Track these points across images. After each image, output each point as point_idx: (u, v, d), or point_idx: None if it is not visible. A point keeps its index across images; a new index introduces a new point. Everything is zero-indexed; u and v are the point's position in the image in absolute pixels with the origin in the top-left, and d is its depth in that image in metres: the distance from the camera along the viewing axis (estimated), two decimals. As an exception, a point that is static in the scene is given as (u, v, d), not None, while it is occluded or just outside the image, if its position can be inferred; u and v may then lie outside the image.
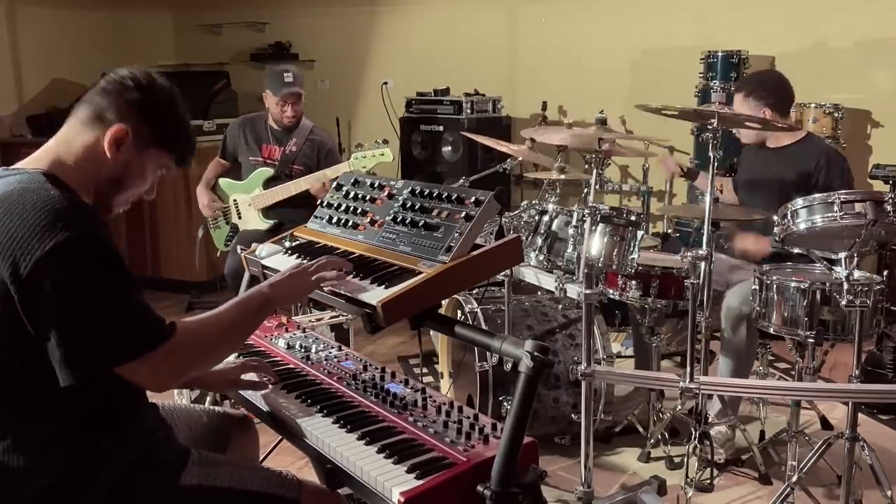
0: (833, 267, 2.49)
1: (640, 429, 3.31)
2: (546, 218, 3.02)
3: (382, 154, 4.12)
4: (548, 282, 2.96)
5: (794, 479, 2.62)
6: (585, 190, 3.20)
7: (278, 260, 2.09)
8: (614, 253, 2.76)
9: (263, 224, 4.25)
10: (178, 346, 1.51)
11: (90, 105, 1.64)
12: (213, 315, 1.64)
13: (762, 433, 3.31)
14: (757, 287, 2.71)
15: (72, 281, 1.42)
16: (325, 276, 1.77)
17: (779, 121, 3.24)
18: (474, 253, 1.78)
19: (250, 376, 1.97)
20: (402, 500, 1.43)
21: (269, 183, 4.26)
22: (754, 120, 3.07)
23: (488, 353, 2.99)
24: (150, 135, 1.64)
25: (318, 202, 2.26)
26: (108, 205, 1.68)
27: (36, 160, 1.61)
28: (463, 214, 1.82)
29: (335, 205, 2.17)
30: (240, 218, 4.35)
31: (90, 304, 1.43)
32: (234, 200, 4.36)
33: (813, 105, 4.66)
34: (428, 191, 1.96)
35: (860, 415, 2.73)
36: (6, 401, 1.49)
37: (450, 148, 5.55)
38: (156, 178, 1.72)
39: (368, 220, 2.03)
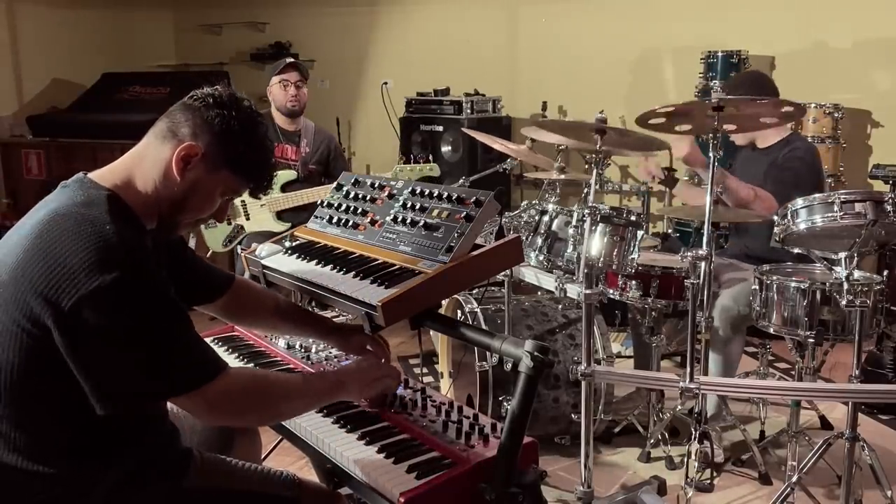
0: (833, 267, 2.49)
1: (640, 429, 3.31)
2: (546, 218, 3.02)
3: (431, 168, 4.22)
4: (548, 282, 2.96)
5: (794, 479, 2.62)
6: (585, 190, 3.20)
7: (278, 260, 2.09)
8: (614, 253, 2.76)
9: (277, 227, 4.17)
10: (234, 385, 1.51)
11: (168, 120, 1.60)
12: (277, 373, 1.68)
13: (762, 433, 3.31)
14: (757, 287, 2.72)
15: (114, 321, 1.40)
16: (390, 384, 1.79)
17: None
18: (474, 253, 1.77)
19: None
20: (402, 500, 1.43)
21: (287, 186, 4.26)
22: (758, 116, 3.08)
23: (488, 353, 2.99)
24: (222, 155, 1.58)
25: (319, 202, 2.25)
26: (173, 224, 1.64)
27: (109, 173, 1.59)
28: (463, 214, 1.81)
29: (335, 205, 2.17)
30: (248, 219, 4.31)
31: (130, 344, 1.42)
32: (242, 201, 4.34)
33: (813, 105, 4.66)
34: (428, 191, 1.95)
35: (860, 415, 2.73)
36: (16, 405, 1.47)
37: (450, 148, 5.56)
38: (226, 203, 1.68)
39: (369, 220, 2.02)
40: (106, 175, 1.59)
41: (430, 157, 5.59)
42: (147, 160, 1.59)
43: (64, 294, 1.39)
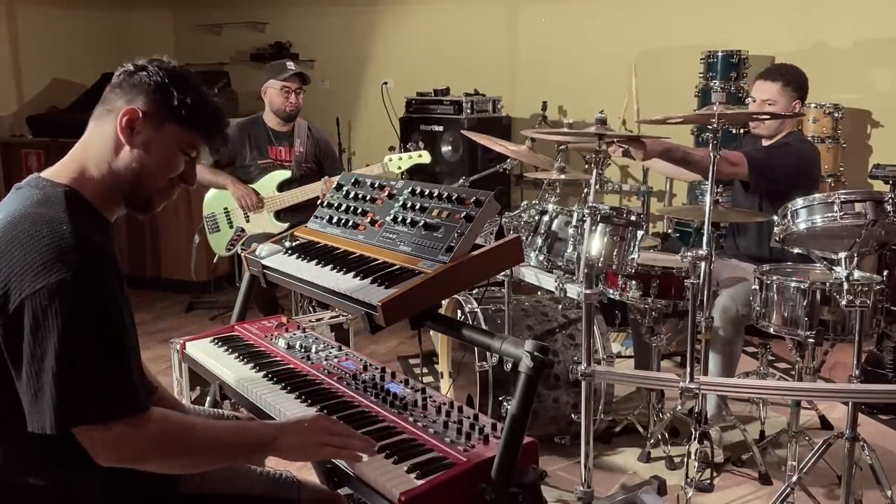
0: (833, 267, 2.49)
1: (640, 429, 3.31)
2: (546, 218, 3.02)
3: (420, 156, 4.16)
4: (548, 282, 2.96)
5: (794, 479, 2.62)
6: (585, 190, 3.20)
7: (278, 260, 2.09)
8: (614, 253, 2.76)
9: (275, 227, 4.15)
10: (146, 430, 1.38)
11: (102, 103, 1.57)
12: (204, 422, 1.54)
13: (762, 433, 3.31)
14: (757, 287, 2.72)
15: (48, 324, 1.33)
16: (341, 452, 1.55)
17: (790, 115, 3.30)
18: (474, 253, 1.78)
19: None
20: (403, 500, 1.43)
21: (283, 185, 4.26)
22: (750, 116, 3.10)
23: (488, 353, 2.99)
24: (163, 110, 1.53)
25: (319, 202, 2.26)
26: (144, 200, 1.58)
27: (62, 168, 1.54)
28: (463, 214, 1.82)
29: (335, 205, 2.17)
30: (248, 221, 4.29)
31: (57, 352, 1.32)
32: None
33: (813, 105, 4.66)
34: (428, 191, 1.95)
35: (860, 415, 2.73)
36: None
37: (450, 148, 5.56)
38: (190, 162, 1.60)
39: (369, 220, 2.03)
40: (60, 171, 1.54)
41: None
42: (94, 145, 1.54)
43: (12, 296, 1.34)
